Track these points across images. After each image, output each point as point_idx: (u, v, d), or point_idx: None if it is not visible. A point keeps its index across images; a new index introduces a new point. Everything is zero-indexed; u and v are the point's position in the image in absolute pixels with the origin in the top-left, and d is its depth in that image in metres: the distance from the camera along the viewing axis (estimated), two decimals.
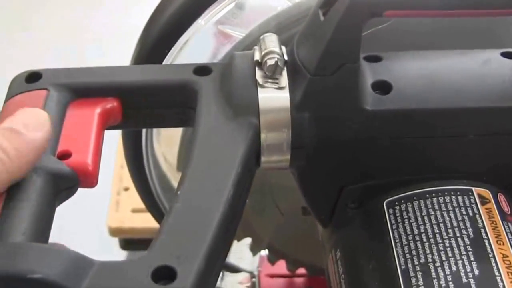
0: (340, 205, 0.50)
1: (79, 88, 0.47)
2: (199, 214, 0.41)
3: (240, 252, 0.73)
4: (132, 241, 1.08)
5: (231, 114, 0.46)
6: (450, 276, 0.44)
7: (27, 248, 0.38)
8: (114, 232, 1.07)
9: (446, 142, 0.48)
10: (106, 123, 0.47)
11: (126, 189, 1.09)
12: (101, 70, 0.49)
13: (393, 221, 0.47)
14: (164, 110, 0.49)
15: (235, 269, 0.74)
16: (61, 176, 0.42)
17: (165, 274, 0.37)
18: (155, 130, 0.65)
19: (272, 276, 0.73)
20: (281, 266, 0.72)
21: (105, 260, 0.38)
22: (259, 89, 0.46)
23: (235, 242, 0.70)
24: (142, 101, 0.48)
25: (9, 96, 0.47)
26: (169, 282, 0.37)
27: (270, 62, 0.45)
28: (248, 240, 0.68)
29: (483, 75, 0.48)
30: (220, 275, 0.74)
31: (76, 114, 0.46)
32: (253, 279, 0.73)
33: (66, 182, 0.42)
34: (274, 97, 0.46)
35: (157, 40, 0.59)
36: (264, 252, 0.73)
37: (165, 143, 0.67)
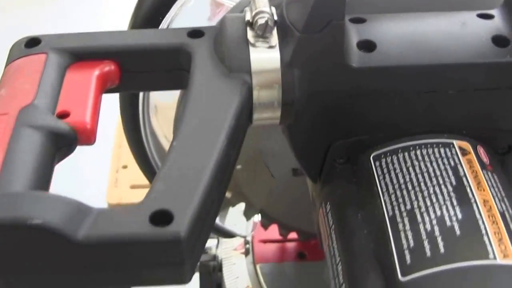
0: (328, 161, 0.52)
1: (78, 51, 0.48)
2: (194, 161, 0.41)
3: (235, 218, 0.74)
4: None
5: (225, 72, 0.47)
6: (435, 220, 0.45)
7: (27, 196, 0.38)
8: None
9: (427, 98, 0.49)
10: (104, 86, 0.48)
11: (125, 167, 1.10)
12: (99, 34, 0.50)
13: (379, 173, 0.49)
14: (160, 72, 0.50)
15: (230, 235, 0.75)
16: (60, 133, 0.43)
17: (162, 217, 0.38)
18: (152, 106, 0.66)
19: (265, 241, 0.74)
20: (273, 231, 0.73)
21: (104, 207, 0.39)
22: (250, 48, 0.47)
23: (230, 208, 0.71)
24: (139, 64, 0.49)
25: (10, 61, 0.48)
26: (166, 225, 0.38)
27: (261, 21, 0.47)
28: (242, 206, 0.70)
29: (461, 34, 0.50)
30: (216, 242, 0.75)
31: (75, 76, 0.47)
32: (247, 245, 0.74)
33: (65, 139, 0.43)
34: (265, 55, 0.47)
35: (152, 7, 0.60)
36: (257, 218, 0.75)
37: (162, 119, 0.68)
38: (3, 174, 0.39)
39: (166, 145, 0.69)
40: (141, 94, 0.65)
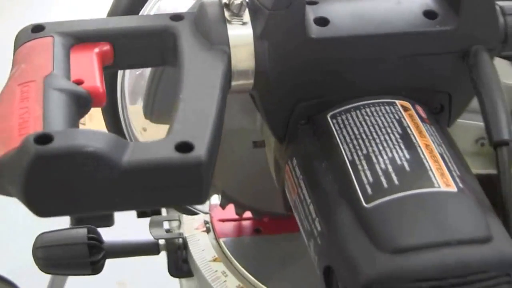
0: (292, 122, 0.60)
1: (78, 35, 0.56)
2: (201, 107, 0.50)
3: None
4: None
5: (207, 45, 0.55)
6: (387, 160, 0.54)
7: (78, 131, 0.46)
8: None
9: (372, 64, 0.59)
10: (103, 63, 0.56)
11: None
12: (94, 21, 0.58)
13: (337, 127, 0.57)
14: (148, 52, 0.58)
15: (192, 212, 0.82)
16: (80, 95, 0.51)
17: (185, 147, 0.46)
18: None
19: (224, 220, 0.82)
20: (230, 211, 0.81)
21: (136, 141, 0.47)
22: (228, 25, 0.56)
23: None
24: (130, 44, 0.57)
25: (20, 44, 0.56)
26: (189, 152, 0.46)
27: (237, 1, 0.55)
28: None
29: (398, 9, 0.59)
30: (178, 223, 0.82)
31: (79, 54, 0.55)
32: (207, 225, 0.81)
33: (84, 100, 0.51)
34: (240, 31, 0.56)
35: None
36: (213, 200, 0.82)
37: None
38: (47, 122, 0.47)
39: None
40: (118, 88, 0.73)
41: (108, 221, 0.94)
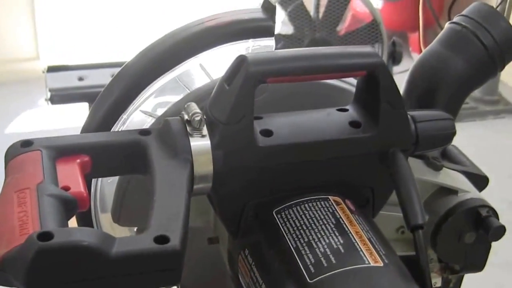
0: (243, 218, 0.69)
1: (62, 148, 0.64)
2: (172, 207, 0.59)
3: None
4: None
5: (173, 155, 0.64)
6: (326, 245, 0.63)
7: (75, 229, 0.54)
8: None
9: (308, 165, 0.69)
10: (84, 171, 0.65)
11: None
12: (76, 136, 0.67)
13: (281, 221, 0.67)
14: (121, 161, 0.67)
15: None
16: (68, 200, 0.59)
17: (162, 239, 0.56)
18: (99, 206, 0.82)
19: None
20: None
21: (121, 237, 0.56)
22: (190, 138, 0.65)
23: None
24: (105, 156, 0.66)
25: (11, 157, 0.64)
26: (166, 243, 0.55)
27: (197, 118, 0.65)
28: None
29: (327, 120, 0.70)
30: None
31: (64, 165, 0.63)
32: None
33: (71, 204, 0.60)
34: (200, 142, 0.65)
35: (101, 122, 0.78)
36: None
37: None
38: (44, 222, 0.55)
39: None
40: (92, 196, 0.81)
41: None
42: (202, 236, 0.80)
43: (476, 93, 3.33)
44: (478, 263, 0.82)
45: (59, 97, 1.66)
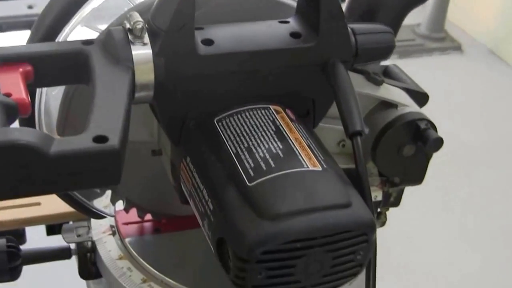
0: (185, 127, 0.69)
1: (4, 57, 0.63)
2: (112, 108, 0.58)
3: (105, 201, 0.89)
4: None
5: (115, 63, 0.63)
6: (265, 150, 0.63)
7: (13, 129, 0.54)
8: None
9: (250, 75, 0.68)
10: (25, 80, 0.63)
11: None
12: (18, 46, 0.65)
13: (222, 129, 0.67)
14: (64, 71, 0.65)
15: (101, 216, 0.89)
16: (9, 105, 0.58)
17: (101, 139, 0.55)
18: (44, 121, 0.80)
19: (127, 223, 0.89)
20: (134, 214, 0.89)
21: (59, 137, 0.55)
22: (132, 46, 0.64)
23: (100, 194, 0.86)
24: (48, 66, 0.65)
25: None
26: (105, 142, 0.55)
27: (138, 26, 0.64)
28: (109, 192, 0.85)
29: (269, 31, 0.70)
30: (87, 229, 0.89)
31: (6, 73, 0.62)
32: (113, 228, 0.88)
33: (13, 110, 0.58)
34: (141, 50, 0.64)
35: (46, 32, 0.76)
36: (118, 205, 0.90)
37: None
38: None
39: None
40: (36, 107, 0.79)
41: (21, 238, 1.00)
42: (146, 149, 0.79)
43: (424, 30, 3.39)
44: (417, 176, 0.83)
45: (8, 24, 1.62)
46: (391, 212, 0.90)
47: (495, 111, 2.90)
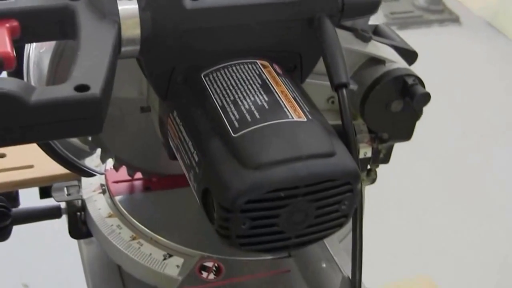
0: (172, 82, 0.69)
1: None
2: (96, 59, 0.58)
3: (96, 161, 0.89)
4: None
5: (102, 18, 0.63)
6: (250, 102, 0.63)
7: None
8: None
9: (237, 30, 0.68)
10: (12, 36, 0.63)
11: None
12: (5, 2, 0.64)
13: (209, 83, 0.66)
14: (51, 27, 0.65)
15: (91, 174, 0.89)
16: None
17: (83, 88, 0.55)
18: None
19: (117, 182, 0.89)
20: (124, 173, 0.89)
21: (41, 87, 0.55)
22: (118, 0, 0.63)
23: (90, 153, 0.86)
24: (34, 21, 0.64)
25: None
26: (86, 91, 0.54)
27: None
28: (99, 150, 0.85)
29: None
30: (77, 188, 0.89)
31: None
32: (103, 187, 0.88)
33: None
34: (128, 6, 0.63)
35: None
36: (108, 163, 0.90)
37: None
38: None
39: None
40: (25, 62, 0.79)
41: (15, 202, 1.00)
42: (135, 106, 0.79)
43: (422, 2, 3.39)
44: (405, 132, 0.83)
45: None
46: None
47: (492, 82, 2.90)
